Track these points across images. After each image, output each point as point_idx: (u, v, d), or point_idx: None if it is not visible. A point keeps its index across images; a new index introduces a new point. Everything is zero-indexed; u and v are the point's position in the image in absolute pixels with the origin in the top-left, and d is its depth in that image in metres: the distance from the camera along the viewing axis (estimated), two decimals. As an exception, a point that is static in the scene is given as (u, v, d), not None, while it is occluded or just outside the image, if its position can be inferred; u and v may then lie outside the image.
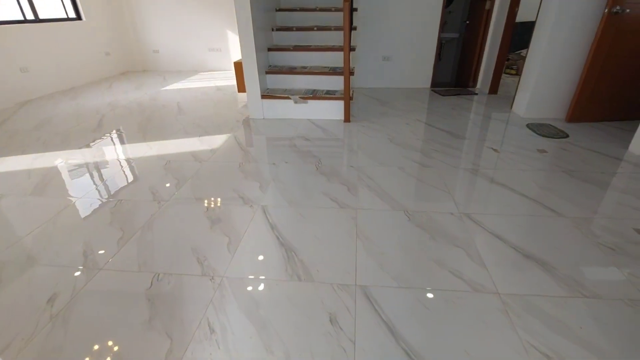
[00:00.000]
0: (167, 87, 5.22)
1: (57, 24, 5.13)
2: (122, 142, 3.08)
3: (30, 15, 4.76)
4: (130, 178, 2.38)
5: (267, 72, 3.69)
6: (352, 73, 3.34)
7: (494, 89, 4.47)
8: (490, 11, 4.34)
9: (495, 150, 2.75)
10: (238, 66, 3.94)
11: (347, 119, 3.46)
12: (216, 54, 6.40)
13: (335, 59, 3.77)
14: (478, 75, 4.75)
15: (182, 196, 2.11)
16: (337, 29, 3.78)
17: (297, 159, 2.62)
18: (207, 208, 1.97)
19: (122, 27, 6.27)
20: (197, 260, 1.55)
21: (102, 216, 1.91)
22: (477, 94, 4.52)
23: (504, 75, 5.19)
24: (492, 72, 4.42)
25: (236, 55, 6.32)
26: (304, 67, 3.77)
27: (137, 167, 2.54)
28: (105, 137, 3.20)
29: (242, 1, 3.12)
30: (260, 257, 1.58)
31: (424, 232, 1.75)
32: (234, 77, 5.53)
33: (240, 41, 3.31)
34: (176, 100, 4.43)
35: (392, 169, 2.44)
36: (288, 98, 3.51)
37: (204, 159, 2.64)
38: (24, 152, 2.85)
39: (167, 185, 2.25)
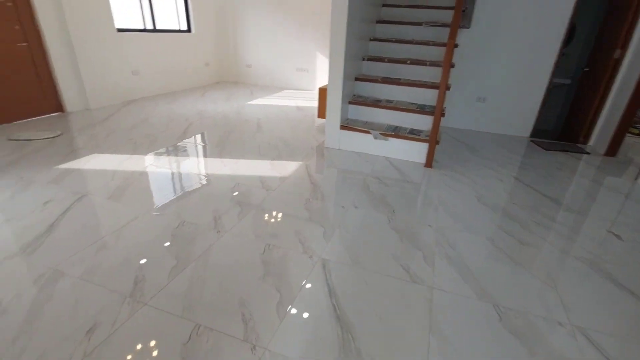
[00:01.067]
0: (253, 102, 5.41)
1: (170, 34, 5.70)
2: (200, 154, 3.16)
3: (150, 26, 5.36)
4: (199, 197, 2.37)
5: (350, 102, 3.54)
6: (442, 114, 3.02)
7: (612, 150, 3.73)
8: (619, 61, 3.67)
9: (617, 236, 2.18)
10: (322, 92, 3.88)
11: (429, 164, 3.12)
12: (303, 74, 6.54)
13: (425, 96, 3.49)
14: (592, 131, 4.03)
15: (243, 229, 2.00)
16: (432, 64, 3.49)
17: (368, 205, 2.37)
18: (264, 249, 1.81)
19: (224, 40, 6.77)
20: (242, 317, 1.38)
21: (163, 237, 1.88)
22: (589, 153, 3.81)
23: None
24: (613, 130, 3.70)
25: (322, 76, 6.38)
26: (390, 101, 3.54)
27: (208, 186, 2.53)
28: (187, 147, 3.33)
29: (338, 29, 3.04)
30: (311, 332, 1.35)
31: (521, 343, 1.35)
32: (317, 99, 5.54)
33: (329, 67, 3.22)
34: (258, 117, 4.53)
35: (480, 238, 2.05)
36: (368, 132, 3.30)
37: (271, 188, 2.54)
38: (115, 152, 3.07)
39: (231, 212, 2.17)
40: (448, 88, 3.31)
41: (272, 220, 2.11)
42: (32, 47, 3.85)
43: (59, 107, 4.22)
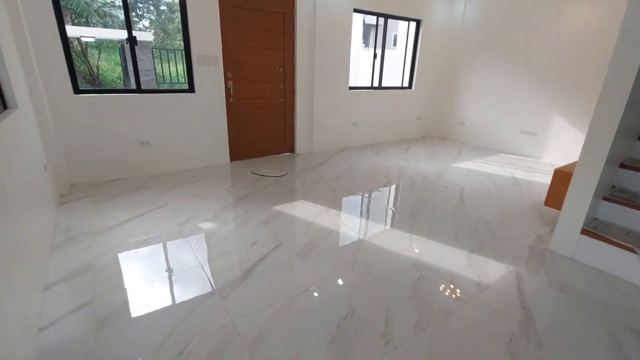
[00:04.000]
0: (458, 164, 4.91)
1: (393, 91, 6.03)
2: (389, 222, 2.98)
3: (376, 83, 5.85)
4: (375, 280, 2.14)
5: (605, 198, 2.51)
6: None
7: None
8: None
9: None
10: (560, 175, 2.95)
11: None
12: (528, 137, 5.46)
13: None
14: None
15: (416, 352, 1.60)
16: None
17: (623, 388, 1.46)
18: (438, 403, 1.35)
19: (440, 96, 6.61)
20: None
21: (328, 324, 1.74)
22: None
23: None
24: None
25: (554, 143, 5.12)
26: (686, 210, 2.27)
27: (388, 268, 2.28)
28: (378, 210, 3.24)
29: (616, 90, 2.17)
30: None
31: None
32: (543, 175, 4.43)
33: (585, 144, 2.35)
34: (461, 185, 4.00)
35: None
36: (631, 250, 2.20)
37: (463, 296, 2.01)
38: (317, 201, 3.33)
39: (406, 318, 1.81)
40: None
41: (457, 351, 1.60)
42: (287, 102, 4.86)
43: (291, 149, 5.13)
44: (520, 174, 4.54)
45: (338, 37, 4.85)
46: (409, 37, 6.02)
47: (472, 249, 2.56)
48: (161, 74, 8.00)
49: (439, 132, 6.83)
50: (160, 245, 2.44)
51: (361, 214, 3.14)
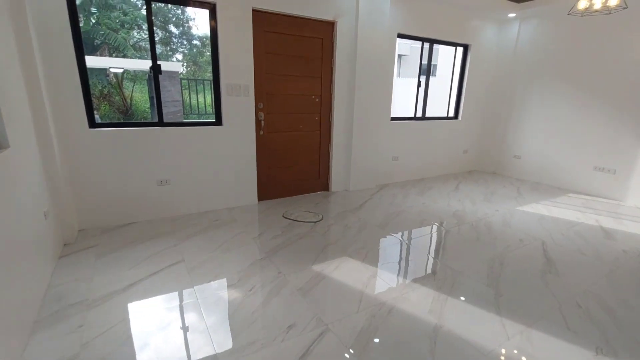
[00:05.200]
0: (524, 207, 4.13)
1: (437, 122, 5.43)
2: (467, 296, 2.26)
3: (419, 114, 5.27)
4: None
5: None
6: None
7: None
8: None
9: None
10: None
11: None
12: (605, 175, 4.62)
13: None
14: None
15: None
16: None
17: None
18: None
19: (490, 127, 5.91)
20: None
21: None
22: None
23: None
24: None
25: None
26: None
27: (485, 378, 1.57)
28: (446, 272, 2.54)
29: None
30: None
31: None
32: (637, 224, 3.58)
33: None
34: (539, 237, 3.22)
35: None
36: None
37: None
38: (364, 259, 2.68)
39: None
40: None
41: None
42: (322, 134, 4.35)
43: (325, 186, 4.56)
44: (607, 222, 3.70)
45: (381, 64, 4.37)
46: (455, 64, 5.47)
47: (599, 347, 1.79)
48: (189, 105, 7.85)
49: (488, 167, 6.07)
50: (167, 326, 1.86)
51: (424, 279, 2.44)
